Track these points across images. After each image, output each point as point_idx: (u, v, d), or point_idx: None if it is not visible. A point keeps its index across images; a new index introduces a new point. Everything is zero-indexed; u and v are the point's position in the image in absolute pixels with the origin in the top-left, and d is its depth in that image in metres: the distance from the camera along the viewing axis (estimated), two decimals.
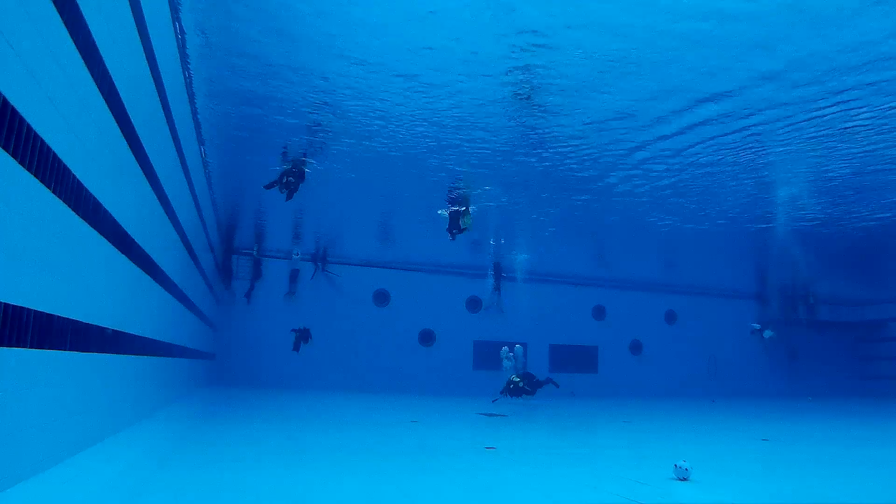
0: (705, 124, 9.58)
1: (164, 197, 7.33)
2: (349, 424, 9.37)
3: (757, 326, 22.06)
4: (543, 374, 17.67)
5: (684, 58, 7.57)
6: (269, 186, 11.81)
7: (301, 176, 11.52)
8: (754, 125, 9.50)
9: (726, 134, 9.93)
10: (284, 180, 11.49)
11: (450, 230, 14.21)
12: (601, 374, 23.15)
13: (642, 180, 12.41)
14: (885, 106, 8.74)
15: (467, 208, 14.13)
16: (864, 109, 8.83)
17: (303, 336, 19.61)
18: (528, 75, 8.14)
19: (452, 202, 14.07)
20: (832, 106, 8.72)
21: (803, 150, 10.50)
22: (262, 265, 20.06)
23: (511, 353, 16.33)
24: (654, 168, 11.68)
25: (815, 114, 8.99)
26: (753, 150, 10.57)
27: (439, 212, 14.11)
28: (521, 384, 15.15)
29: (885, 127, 9.46)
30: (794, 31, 6.91)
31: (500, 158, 11.33)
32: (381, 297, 21.36)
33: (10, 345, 3.20)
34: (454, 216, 14.04)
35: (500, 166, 11.74)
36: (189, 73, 7.97)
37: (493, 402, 14.63)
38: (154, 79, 6.10)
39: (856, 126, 9.39)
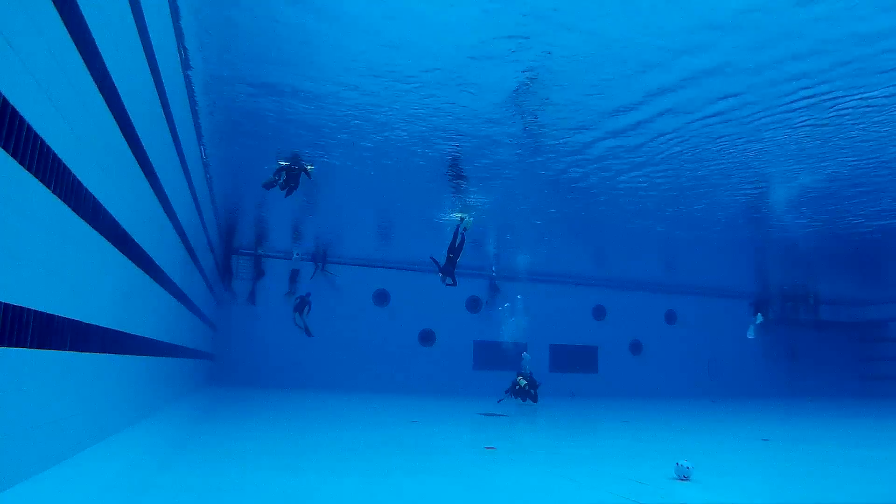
0: (704, 120, 9.53)
1: (164, 197, 7.32)
2: (349, 424, 9.37)
3: (751, 336, 21.93)
4: (543, 374, 17.69)
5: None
6: (267, 185, 11.76)
7: (298, 176, 11.46)
8: (753, 115, 9.38)
9: (727, 122, 9.84)
10: (284, 178, 11.46)
11: (442, 272, 14.48)
12: (601, 374, 23.15)
13: (642, 180, 12.41)
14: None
15: (463, 220, 14.39)
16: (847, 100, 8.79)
17: (300, 307, 19.57)
18: (527, 75, 8.14)
19: (451, 249, 14.34)
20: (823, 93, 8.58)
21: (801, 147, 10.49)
22: (263, 264, 20.06)
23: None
24: (652, 168, 11.68)
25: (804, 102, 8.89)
26: (752, 146, 10.50)
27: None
28: (526, 386, 15.21)
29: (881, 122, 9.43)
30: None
31: (498, 158, 11.33)
32: (381, 297, 21.36)
33: (10, 345, 3.20)
34: (449, 262, 14.30)
35: (500, 167, 11.74)
36: (189, 73, 7.97)
37: (498, 402, 14.67)
38: (154, 78, 6.10)
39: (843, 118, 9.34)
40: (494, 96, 8.74)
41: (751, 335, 20.38)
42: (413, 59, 7.76)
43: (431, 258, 14.83)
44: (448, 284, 14.93)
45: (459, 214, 14.66)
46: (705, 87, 8.32)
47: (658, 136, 10.12)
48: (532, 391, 15.18)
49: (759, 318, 20.03)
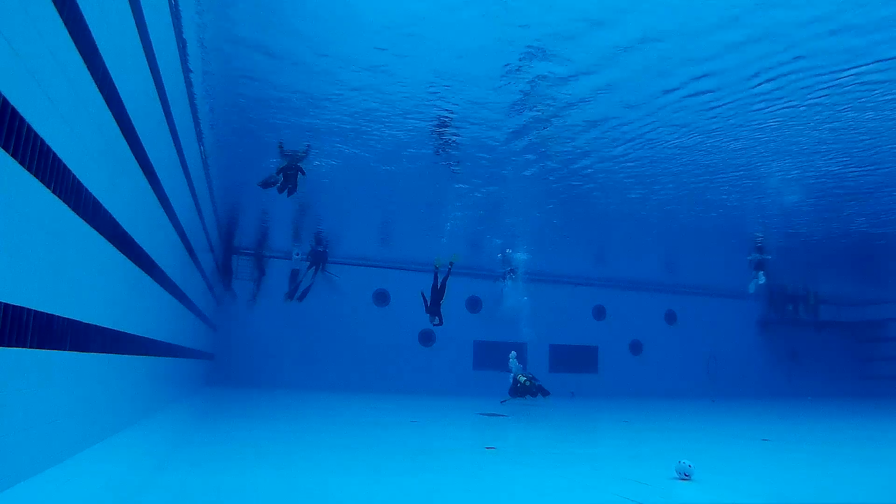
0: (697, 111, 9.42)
1: (164, 197, 7.32)
2: (349, 424, 9.37)
3: (752, 291, 21.63)
4: (543, 374, 17.68)
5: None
6: (264, 185, 11.69)
7: (296, 176, 11.38)
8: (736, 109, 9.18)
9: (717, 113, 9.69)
10: (282, 178, 11.37)
11: (428, 312, 14.67)
12: (601, 374, 23.14)
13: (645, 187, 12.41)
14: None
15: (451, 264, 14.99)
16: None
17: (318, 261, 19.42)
18: (527, 72, 8.12)
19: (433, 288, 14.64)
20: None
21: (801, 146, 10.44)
22: (265, 264, 20.03)
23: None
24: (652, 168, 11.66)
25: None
26: (751, 144, 10.40)
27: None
28: (527, 384, 15.20)
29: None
30: None
31: (496, 157, 11.31)
32: (381, 297, 21.34)
33: (10, 345, 3.20)
34: (434, 298, 14.53)
35: (500, 166, 11.73)
36: (189, 72, 7.96)
37: (501, 402, 14.65)
38: (154, 78, 6.09)
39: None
40: (492, 95, 8.72)
41: (751, 290, 20.34)
42: (415, 59, 7.75)
43: (422, 294, 15.11)
44: (435, 325, 15.25)
45: (438, 260, 15.32)
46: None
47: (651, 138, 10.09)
48: (533, 389, 15.16)
49: (763, 278, 19.88)
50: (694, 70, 8.00)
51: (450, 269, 14.97)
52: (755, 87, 8.38)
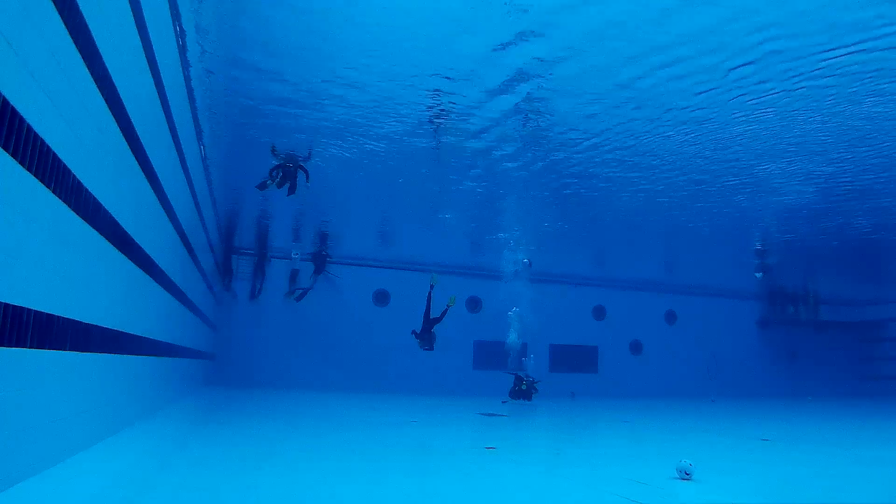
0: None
1: (164, 197, 7.33)
2: (349, 424, 9.37)
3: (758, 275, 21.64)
4: (544, 374, 17.68)
5: None
6: (262, 187, 11.65)
7: (295, 173, 11.31)
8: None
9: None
10: (280, 178, 11.29)
11: (419, 338, 15.24)
12: (601, 374, 23.14)
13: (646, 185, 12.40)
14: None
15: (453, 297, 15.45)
16: None
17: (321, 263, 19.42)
18: (519, 68, 8.11)
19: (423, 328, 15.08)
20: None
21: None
22: (266, 264, 20.03)
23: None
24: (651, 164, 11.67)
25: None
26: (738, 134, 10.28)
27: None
28: (523, 387, 15.28)
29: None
30: None
31: (495, 157, 11.31)
32: (381, 297, 21.34)
33: (10, 345, 3.20)
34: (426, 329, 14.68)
35: (497, 165, 11.73)
36: (189, 72, 7.97)
37: (503, 402, 14.68)
38: (154, 78, 6.10)
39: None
40: (489, 94, 8.72)
41: (757, 275, 20.52)
42: (415, 56, 7.76)
43: (413, 331, 15.29)
44: (425, 349, 15.28)
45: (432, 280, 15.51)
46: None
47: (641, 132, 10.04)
48: (531, 391, 15.25)
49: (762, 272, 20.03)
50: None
51: (447, 307, 15.11)
52: (740, 79, 8.24)
